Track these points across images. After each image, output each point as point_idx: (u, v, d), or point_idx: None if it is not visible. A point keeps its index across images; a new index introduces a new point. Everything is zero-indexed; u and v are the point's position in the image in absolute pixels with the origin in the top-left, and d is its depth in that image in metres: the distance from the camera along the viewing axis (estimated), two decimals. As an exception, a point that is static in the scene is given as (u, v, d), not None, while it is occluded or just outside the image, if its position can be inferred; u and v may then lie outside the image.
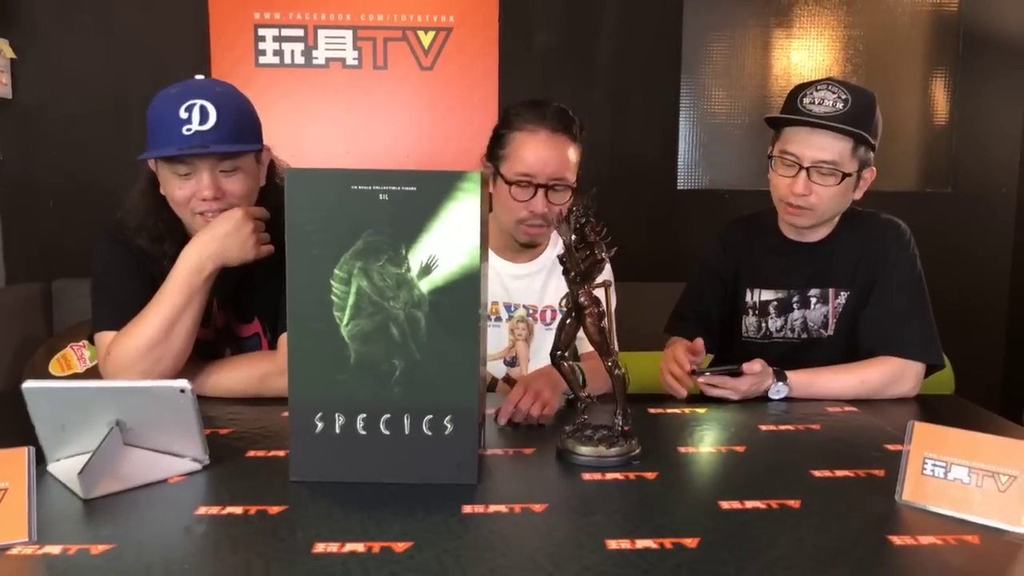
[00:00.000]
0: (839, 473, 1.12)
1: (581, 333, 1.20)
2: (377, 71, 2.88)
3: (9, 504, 0.87)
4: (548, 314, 1.74)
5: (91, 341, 1.48)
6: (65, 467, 1.05)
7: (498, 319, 1.72)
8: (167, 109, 1.36)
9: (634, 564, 0.85)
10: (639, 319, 1.84)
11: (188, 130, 1.35)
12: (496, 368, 1.73)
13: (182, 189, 1.40)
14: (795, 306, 1.70)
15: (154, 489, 1.03)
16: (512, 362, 1.74)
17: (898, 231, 1.67)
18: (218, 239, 1.38)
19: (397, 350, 1.03)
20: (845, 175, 1.57)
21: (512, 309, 1.73)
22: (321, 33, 2.84)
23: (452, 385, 1.04)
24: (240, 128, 1.40)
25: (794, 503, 1.01)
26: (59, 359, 2.40)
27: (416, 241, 1.02)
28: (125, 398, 1.06)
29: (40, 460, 0.99)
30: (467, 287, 1.03)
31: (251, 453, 1.17)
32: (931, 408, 1.54)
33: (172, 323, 1.37)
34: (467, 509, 0.98)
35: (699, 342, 1.55)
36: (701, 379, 1.50)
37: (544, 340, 1.71)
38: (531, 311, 1.74)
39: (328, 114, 2.89)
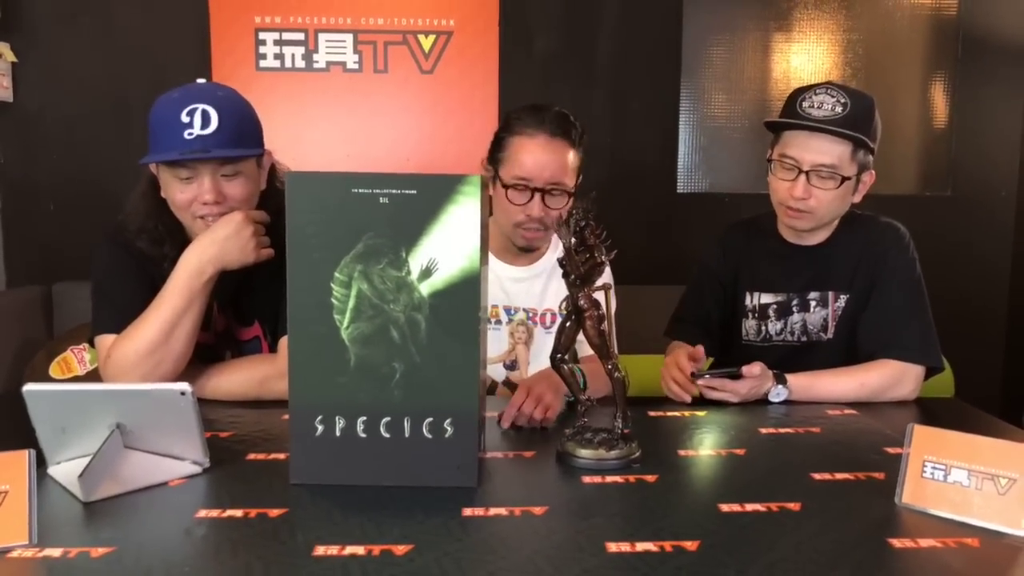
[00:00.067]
0: (839, 476, 1.12)
1: (581, 336, 1.20)
2: (377, 75, 2.88)
3: (9, 507, 0.87)
4: (548, 317, 1.74)
5: (91, 344, 1.48)
6: (65, 470, 1.05)
7: (498, 322, 1.72)
8: (169, 113, 1.37)
9: (634, 567, 0.85)
10: (639, 322, 1.84)
11: (190, 134, 1.35)
12: (496, 371, 1.73)
13: (183, 193, 1.40)
14: (795, 309, 1.70)
15: (154, 492, 1.03)
16: (512, 365, 1.74)
17: (897, 234, 1.68)
18: (218, 242, 1.38)
19: (397, 353, 1.03)
20: (844, 179, 1.57)
21: (512, 312, 1.73)
22: (322, 37, 2.85)
23: (452, 388, 1.04)
24: (242, 132, 1.40)
25: (794, 506, 1.01)
26: (59, 362, 2.40)
27: (416, 244, 1.02)
28: (125, 401, 1.06)
29: (40, 463, 0.99)
30: (467, 290, 1.03)
31: (251, 456, 1.17)
32: (931, 411, 1.54)
33: (172, 326, 1.37)
34: (467, 512, 0.98)
35: (700, 349, 1.56)
36: (701, 381, 1.51)
37: (544, 343, 1.71)
38: (531, 314, 1.74)
39: (328, 118, 2.89)
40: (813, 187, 1.58)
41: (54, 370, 2.39)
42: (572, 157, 1.62)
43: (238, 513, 0.97)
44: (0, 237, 2.84)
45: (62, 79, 2.81)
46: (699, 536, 0.92)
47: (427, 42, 2.87)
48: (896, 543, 0.91)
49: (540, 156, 1.59)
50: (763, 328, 1.72)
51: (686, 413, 1.46)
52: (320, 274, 1.03)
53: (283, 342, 1.47)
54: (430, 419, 1.05)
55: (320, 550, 0.87)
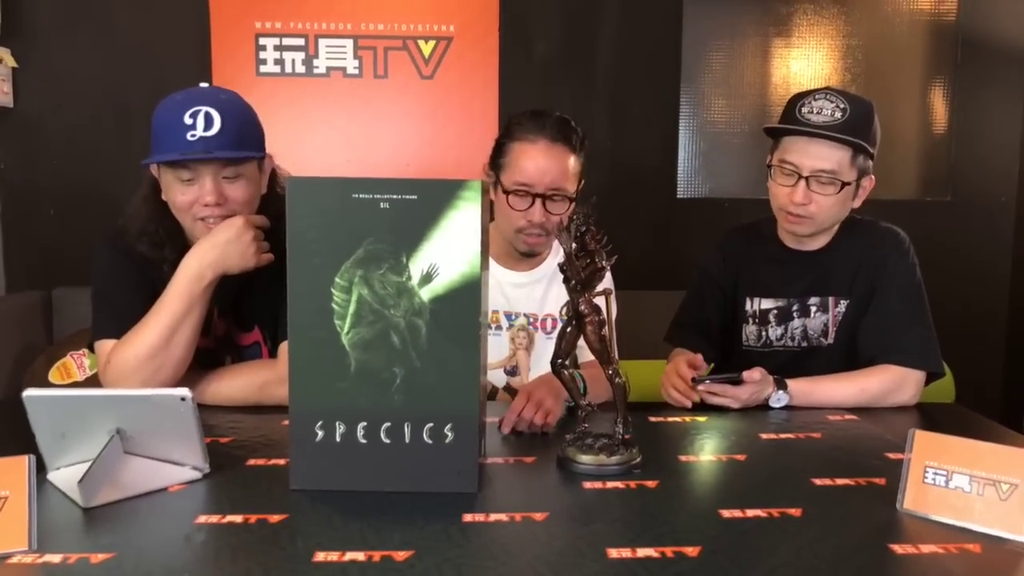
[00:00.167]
0: (840, 481, 1.12)
1: (582, 341, 1.20)
2: (378, 80, 2.89)
3: (9, 512, 0.87)
4: (549, 323, 1.74)
5: (91, 349, 1.48)
6: (65, 475, 1.05)
7: (499, 328, 1.72)
8: (172, 115, 1.37)
9: (635, 573, 0.84)
10: (639, 327, 1.84)
11: (192, 136, 1.35)
12: (497, 377, 1.73)
13: (184, 195, 1.40)
14: (795, 314, 1.70)
15: (154, 498, 1.03)
16: (513, 371, 1.74)
17: (897, 239, 1.68)
18: (218, 247, 1.38)
19: (398, 358, 1.03)
20: (844, 184, 1.57)
21: (513, 318, 1.73)
22: (322, 42, 2.86)
23: (453, 393, 1.04)
24: (244, 135, 1.41)
25: (795, 511, 1.01)
26: (59, 367, 2.40)
27: (417, 249, 1.02)
28: (125, 406, 1.06)
29: (40, 468, 0.99)
30: (468, 295, 1.03)
31: (251, 461, 1.17)
32: (931, 416, 1.54)
33: (172, 331, 1.37)
34: (468, 518, 0.98)
35: (699, 357, 1.57)
36: (701, 387, 1.50)
37: (545, 349, 1.71)
38: (532, 320, 1.74)
39: (329, 123, 2.89)
40: (813, 192, 1.58)
41: (53, 376, 2.39)
42: (573, 162, 1.62)
43: (238, 519, 0.96)
44: (0, 242, 2.84)
45: (62, 85, 2.82)
46: (700, 542, 0.91)
47: (427, 47, 2.88)
48: (897, 549, 0.91)
49: (541, 162, 1.59)
50: (763, 333, 1.72)
51: (687, 419, 1.45)
52: (320, 279, 1.03)
53: (283, 347, 1.47)
54: (430, 424, 1.05)
55: (320, 556, 0.87)
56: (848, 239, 1.68)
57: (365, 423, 1.05)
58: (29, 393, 1.02)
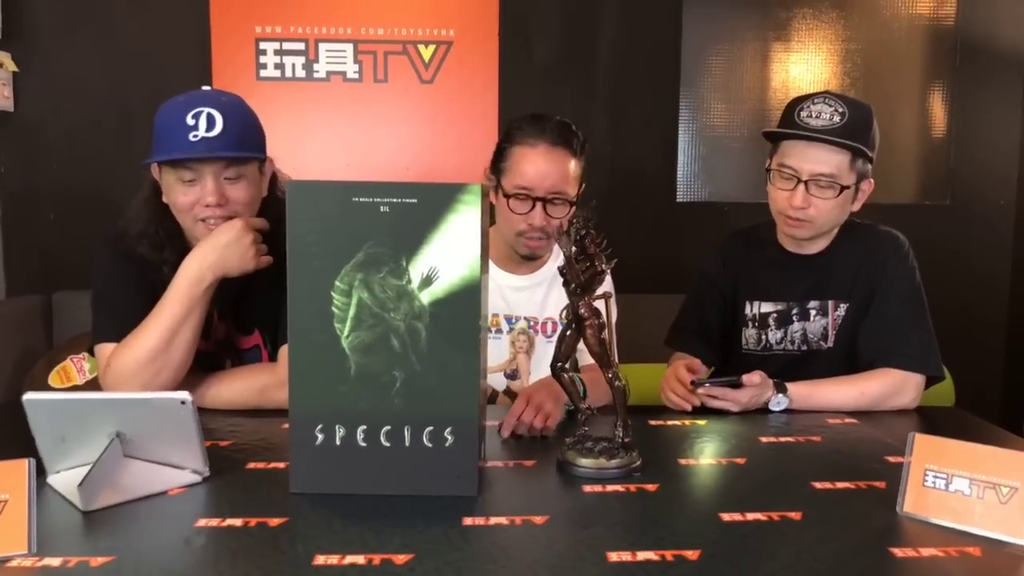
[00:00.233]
0: (840, 485, 1.12)
1: (581, 345, 1.20)
2: (378, 84, 2.89)
3: (9, 516, 0.87)
4: (549, 326, 1.74)
5: (91, 353, 1.48)
6: (65, 479, 1.05)
7: (499, 331, 1.72)
8: (174, 116, 1.37)
9: (635, 576, 0.84)
10: (639, 331, 1.84)
11: (194, 136, 1.36)
12: (497, 381, 1.73)
13: (186, 195, 1.40)
14: (795, 318, 1.70)
15: (154, 501, 1.03)
16: (513, 375, 1.74)
17: (897, 243, 1.68)
18: (218, 249, 1.38)
19: (397, 362, 1.03)
20: (843, 188, 1.57)
21: (513, 321, 1.73)
22: (322, 47, 2.86)
23: (452, 397, 1.04)
24: (245, 137, 1.41)
25: (795, 515, 1.01)
26: (59, 371, 2.40)
27: (417, 253, 1.02)
28: (125, 410, 1.06)
29: (40, 472, 0.99)
30: (468, 299, 1.03)
31: (251, 465, 1.17)
32: (931, 420, 1.54)
33: (172, 334, 1.37)
34: (468, 521, 0.98)
35: (697, 361, 1.58)
36: (701, 390, 1.50)
37: (545, 352, 1.71)
38: (532, 323, 1.74)
39: (329, 127, 2.90)
40: (812, 196, 1.58)
41: (53, 379, 2.39)
42: (573, 166, 1.62)
43: (238, 522, 0.96)
44: (0, 246, 2.84)
45: (63, 89, 2.82)
46: (700, 545, 0.91)
47: (427, 52, 2.88)
48: (898, 552, 0.91)
49: (541, 165, 1.59)
50: (763, 337, 1.72)
51: (687, 422, 1.45)
52: (321, 283, 1.03)
53: (283, 351, 1.47)
54: (430, 428, 1.05)
55: (320, 559, 0.87)
56: (848, 243, 1.69)
57: (365, 426, 1.05)
58: (29, 397, 1.02)
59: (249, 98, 1.49)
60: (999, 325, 3.11)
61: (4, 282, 2.85)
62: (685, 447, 1.32)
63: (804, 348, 1.70)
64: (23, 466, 0.88)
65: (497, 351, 1.71)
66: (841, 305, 1.68)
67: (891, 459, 1.22)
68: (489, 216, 1.39)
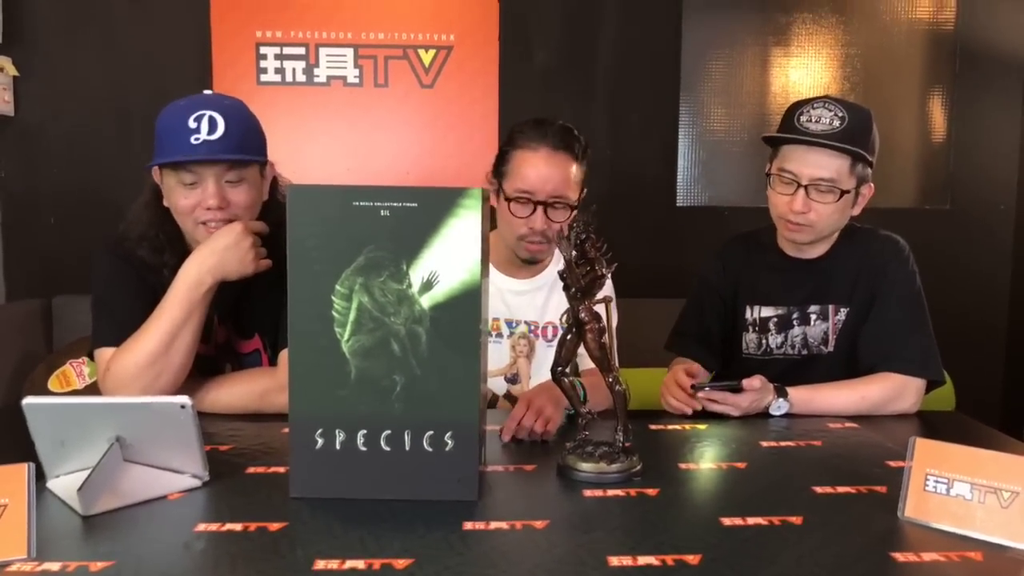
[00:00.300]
0: (841, 489, 1.12)
1: (582, 349, 1.20)
2: (378, 89, 2.89)
3: (8, 520, 0.87)
4: (549, 330, 1.74)
5: (91, 357, 1.48)
6: (65, 483, 1.05)
7: (499, 335, 1.72)
8: (176, 119, 1.38)
9: (636, 581, 0.84)
10: (639, 335, 1.84)
11: (196, 139, 1.36)
12: (497, 385, 1.73)
13: (187, 198, 1.40)
14: (795, 322, 1.70)
15: (153, 505, 1.03)
16: (513, 379, 1.73)
17: (897, 247, 1.68)
18: (217, 253, 1.38)
19: (398, 366, 1.03)
20: (843, 192, 1.57)
21: (513, 325, 1.73)
22: (322, 51, 2.86)
23: (453, 401, 1.04)
24: (247, 140, 1.41)
25: (796, 519, 1.01)
26: (58, 376, 2.40)
27: (417, 257, 1.02)
28: (125, 414, 1.06)
29: (40, 476, 0.99)
30: (468, 303, 1.03)
31: (251, 469, 1.17)
32: (932, 424, 1.54)
33: (172, 338, 1.37)
34: (468, 526, 0.97)
35: (696, 366, 1.59)
36: (701, 394, 1.50)
37: (545, 357, 1.70)
38: (532, 327, 1.74)
39: (329, 131, 2.90)
40: (812, 201, 1.58)
41: (53, 384, 2.39)
42: (575, 171, 1.62)
43: (237, 527, 0.96)
44: (0, 250, 2.84)
45: (63, 93, 2.82)
46: (701, 550, 0.91)
47: (427, 56, 2.89)
48: (899, 557, 0.91)
49: (543, 169, 1.59)
50: (763, 341, 1.72)
51: (687, 426, 1.45)
52: (321, 287, 1.03)
53: (283, 355, 1.46)
54: (431, 432, 1.04)
55: (320, 564, 0.87)
56: (848, 247, 1.69)
57: (365, 431, 1.05)
58: (29, 401, 1.02)
59: (250, 102, 1.49)
60: (999, 329, 3.11)
61: (4, 286, 2.85)
62: (686, 451, 1.32)
63: (804, 352, 1.70)
64: (22, 470, 0.88)
65: (497, 355, 1.71)
66: (841, 309, 1.68)
67: (892, 463, 1.22)
68: (490, 220, 1.39)
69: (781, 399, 1.52)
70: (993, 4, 3.00)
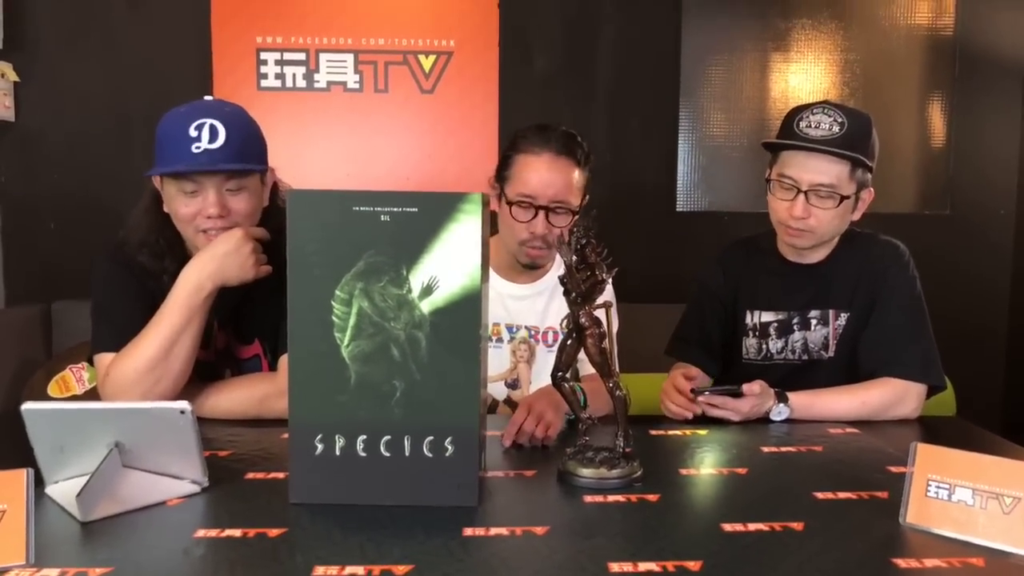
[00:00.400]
0: (842, 495, 1.12)
1: (582, 354, 1.20)
2: (378, 94, 2.90)
3: (7, 526, 0.87)
4: (550, 335, 1.74)
5: (90, 363, 1.48)
6: (63, 489, 1.04)
7: (500, 340, 1.72)
8: (177, 127, 1.38)
9: (637, 587, 0.84)
10: (639, 341, 1.84)
11: (197, 148, 1.36)
12: (497, 390, 1.73)
13: (187, 206, 1.40)
14: (795, 328, 1.70)
15: (153, 511, 1.03)
16: (514, 384, 1.73)
17: (897, 252, 1.68)
18: (217, 258, 1.38)
19: (398, 371, 1.03)
20: (843, 197, 1.57)
21: (514, 330, 1.73)
22: (323, 57, 2.87)
23: (453, 406, 1.04)
24: (248, 148, 1.41)
25: (797, 525, 1.01)
26: (58, 381, 2.40)
27: (417, 262, 1.02)
28: (124, 419, 1.06)
29: (39, 482, 0.98)
30: (468, 308, 1.03)
31: (250, 475, 1.16)
32: (933, 429, 1.53)
33: (171, 343, 1.37)
34: (468, 532, 0.97)
35: (695, 370, 1.60)
36: (702, 398, 1.50)
37: (546, 362, 1.70)
38: (533, 332, 1.74)
39: (329, 137, 2.91)
40: (812, 206, 1.58)
41: (52, 389, 2.39)
42: (577, 176, 1.62)
43: (237, 533, 0.96)
44: (0, 255, 2.84)
45: (64, 99, 2.83)
46: (702, 556, 0.91)
47: (427, 62, 2.89)
48: (901, 563, 0.90)
49: (545, 174, 1.59)
50: (764, 346, 1.72)
51: (687, 432, 1.45)
52: (321, 292, 1.03)
53: (283, 360, 1.46)
54: (430, 438, 1.04)
55: (320, 570, 0.86)
56: (848, 252, 1.69)
57: (365, 436, 1.04)
58: (28, 406, 1.02)
59: (250, 108, 1.49)
60: (1000, 334, 3.11)
61: (4, 291, 2.85)
62: (686, 457, 1.32)
63: (805, 358, 1.70)
64: (21, 476, 0.88)
65: (498, 360, 1.71)
66: (842, 315, 1.67)
67: (893, 469, 1.22)
68: (490, 225, 1.40)
69: (782, 404, 1.52)
70: (992, 9, 3.00)
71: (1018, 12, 3.01)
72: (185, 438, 1.05)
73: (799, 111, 1.61)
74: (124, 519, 1.00)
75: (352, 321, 1.03)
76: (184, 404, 1.03)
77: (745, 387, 1.49)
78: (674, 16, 2.94)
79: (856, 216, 1.65)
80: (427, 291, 1.02)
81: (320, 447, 1.04)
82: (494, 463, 1.25)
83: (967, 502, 0.96)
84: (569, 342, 1.19)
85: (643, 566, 0.88)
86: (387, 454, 1.04)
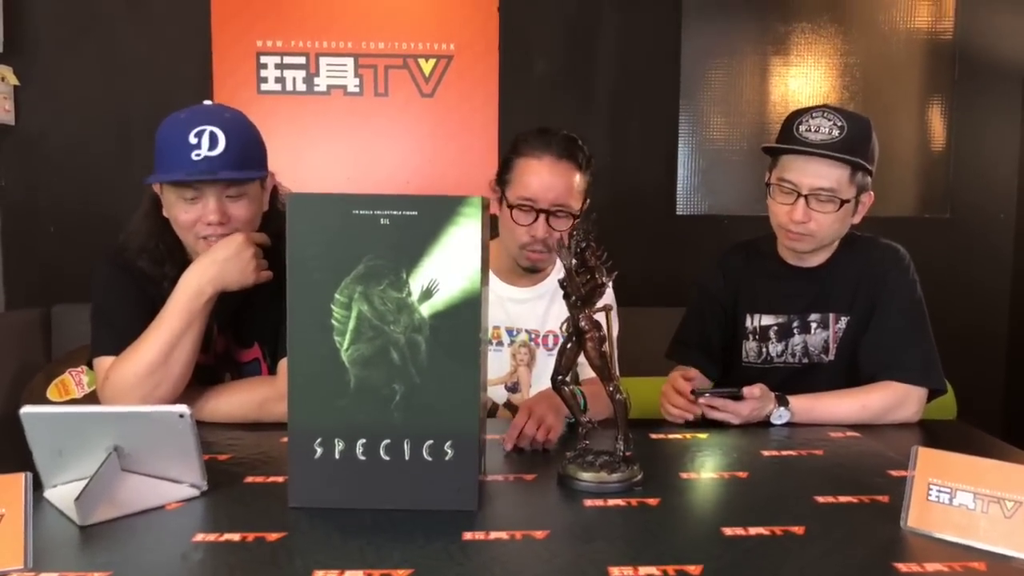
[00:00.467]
0: (843, 499, 1.11)
1: (582, 358, 1.20)
2: (378, 98, 2.90)
3: (5, 530, 0.86)
4: (550, 339, 1.73)
5: (90, 366, 1.48)
6: (62, 493, 1.04)
7: (500, 344, 1.72)
8: (177, 134, 1.37)
9: (637, 592, 0.84)
10: (639, 344, 1.84)
11: (197, 155, 1.36)
12: (497, 394, 1.72)
13: (187, 213, 1.40)
14: (795, 331, 1.70)
15: (151, 515, 1.02)
16: (514, 387, 1.73)
17: (897, 255, 1.68)
18: (218, 263, 1.38)
19: (397, 375, 1.03)
20: (844, 201, 1.57)
21: (514, 334, 1.72)
22: (323, 60, 2.87)
23: (452, 410, 1.04)
24: (247, 155, 1.41)
25: (798, 529, 1.00)
26: (57, 384, 2.39)
27: (417, 265, 1.02)
28: (123, 423, 1.05)
29: (37, 486, 0.98)
30: (468, 311, 1.03)
31: (250, 479, 1.16)
32: (934, 433, 1.53)
33: (171, 347, 1.36)
34: (468, 536, 0.97)
35: (693, 371, 1.59)
36: (702, 400, 1.50)
37: (546, 365, 1.70)
38: (533, 336, 1.73)
39: (329, 141, 2.91)
40: (812, 211, 1.58)
41: (52, 393, 2.38)
42: (578, 180, 1.62)
43: (236, 537, 0.96)
44: (0, 258, 2.84)
45: (64, 102, 2.83)
46: (702, 560, 0.90)
47: (427, 66, 2.89)
48: (902, 567, 0.90)
49: (545, 178, 1.59)
50: (764, 350, 1.72)
51: (688, 436, 1.45)
52: (320, 295, 1.02)
53: (282, 364, 1.46)
54: (430, 442, 1.04)
55: (319, 574, 0.86)
56: (848, 255, 1.68)
57: (364, 440, 1.04)
58: (26, 410, 1.01)
59: (250, 112, 1.49)
60: (1000, 338, 3.11)
61: (3, 295, 2.85)
62: (687, 461, 1.32)
63: (805, 361, 1.70)
64: (20, 480, 0.88)
65: (498, 363, 1.70)
66: (842, 318, 1.67)
67: (894, 473, 1.22)
68: (490, 228, 1.40)
69: (782, 408, 1.52)
70: (991, 13, 3.01)
71: (1017, 15, 3.01)
72: (184, 442, 1.05)
73: (799, 115, 1.61)
74: (123, 523, 0.99)
75: (352, 325, 1.03)
76: (183, 408, 1.03)
77: (746, 390, 1.49)
78: (674, 19, 2.94)
79: (856, 220, 1.65)
80: (427, 295, 1.02)
81: (319, 451, 1.04)
82: (494, 467, 1.24)
83: (968, 506, 0.96)
84: (569, 345, 1.19)
85: (643, 570, 0.88)
86: (387, 458, 1.04)
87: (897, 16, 3.00)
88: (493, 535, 0.97)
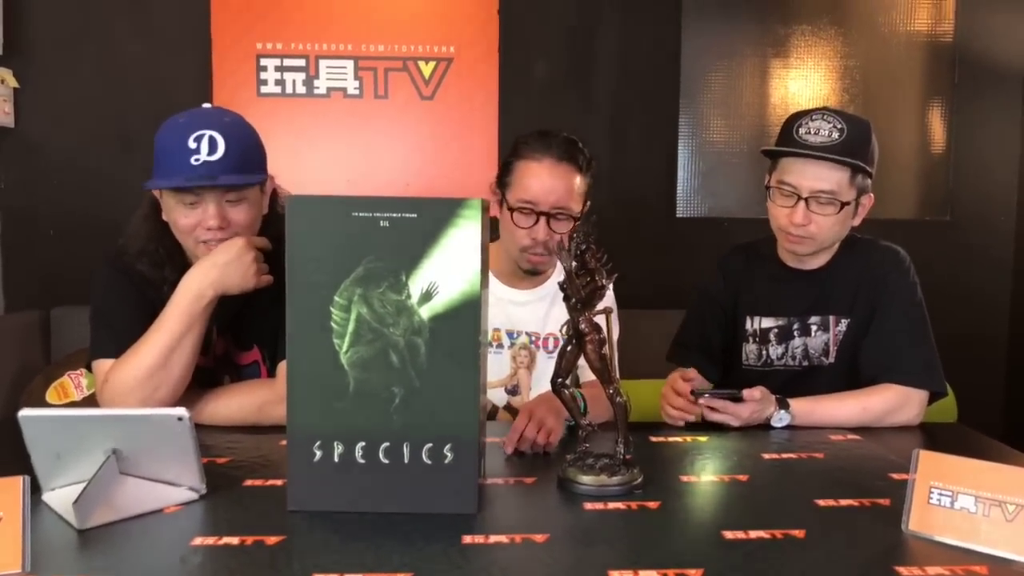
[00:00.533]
0: (844, 502, 1.11)
1: (582, 360, 1.19)
2: (378, 100, 2.90)
3: (3, 534, 0.86)
4: (551, 341, 1.73)
5: (89, 369, 1.47)
6: (60, 496, 1.04)
7: (500, 346, 1.71)
8: (176, 138, 1.37)
9: (637, 595, 0.83)
10: (639, 347, 1.84)
11: (196, 160, 1.35)
12: (497, 396, 1.72)
13: (187, 218, 1.40)
14: (796, 333, 1.70)
15: (150, 519, 1.02)
16: (514, 390, 1.73)
17: (897, 258, 1.67)
18: (219, 267, 1.38)
19: (397, 377, 1.03)
20: (844, 204, 1.57)
21: (514, 336, 1.72)
22: (322, 63, 2.87)
23: (452, 413, 1.03)
24: (247, 159, 1.41)
25: (799, 533, 1.00)
26: (56, 387, 2.39)
27: (417, 268, 1.02)
28: (122, 426, 1.05)
29: (35, 489, 0.98)
30: (467, 314, 1.02)
31: (248, 482, 1.16)
32: (934, 436, 1.53)
33: (171, 351, 1.36)
34: (467, 539, 0.96)
35: (692, 371, 1.59)
36: (702, 400, 1.50)
37: (546, 368, 1.70)
38: (533, 338, 1.73)
39: (329, 143, 2.90)
40: (813, 213, 1.57)
41: (51, 395, 2.38)
42: (578, 182, 1.62)
43: (234, 540, 0.95)
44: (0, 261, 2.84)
45: (63, 105, 2.83)
46: (702, 563, 0.90)
47: (427, 68, 2.89)
48: (903, 571, 0.90)
49: (546, 180, 1.59)
50: (764, 352, 1.72)
51: (688, 438, 1.44)
52: (320, 298, 1.02)
53: (282, 367, 1.46)
54: (429, 445, 1.04)
55: (318, 578, 0.86)
56: (848, 257, 1.68)
57: (363, 443, 1.04)
58: (25, 413, 1.01)
59: (249, 114, 1.49)
60: (1000, 340, 3.10)
61: (3, 298, 2.84)
62: (687, 464, 1.31)
63: (805, 363, 1.69)
64: (17, 483, 0.87)
65: (498, 366, 1.70)
66: (842, 320, 1.67)
67: (895, 476, 1.21)
68: (490, 231, 1.39)
69: (783, 411, 1.52)
70: (991, 16, 3.01)
71: (1017, 18, 3.01)
72: (183, 445, 1.04)
73: (798, 117, 1.60)
74: (121, 526, 0.99)
75: (351, 327, 1.02)
76: (182, 411, 1.03)
77: (746, 392, 1.49)
78: (674, 22, 2.94)
79: (856, 222, 1.64)
80: (426, 297, 1.02)
81: (319, 454, 1.04)
82: (493, 470, 1.24)
83: (970, 509, 0.96)
84: (569, 348, 1.19)
85: (644, 574, 0.88)
86: (386, 461, 1.04)
87: (897, 18, 3.00)
88: (493, 538, 0.97)
